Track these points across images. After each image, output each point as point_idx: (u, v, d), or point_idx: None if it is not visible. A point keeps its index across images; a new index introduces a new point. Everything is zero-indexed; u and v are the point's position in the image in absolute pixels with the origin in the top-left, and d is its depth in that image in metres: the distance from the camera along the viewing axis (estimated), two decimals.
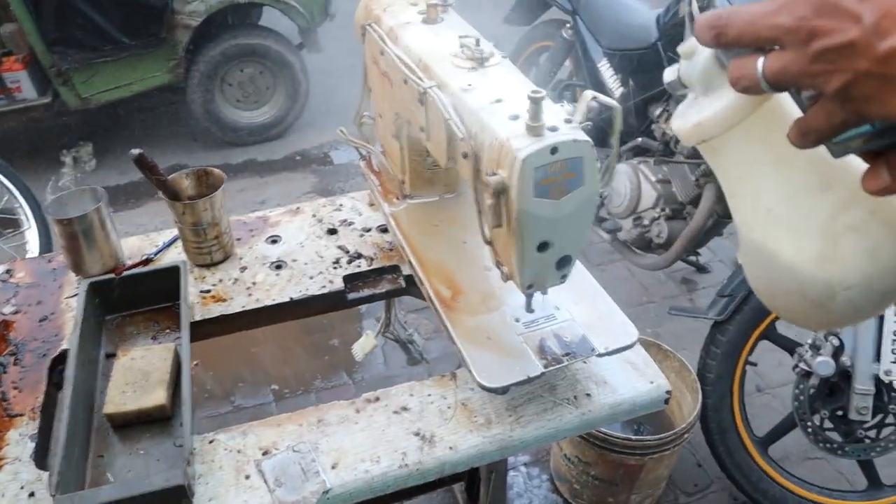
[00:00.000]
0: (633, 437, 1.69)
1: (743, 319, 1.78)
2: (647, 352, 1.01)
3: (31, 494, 0.86)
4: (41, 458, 0.92)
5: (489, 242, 0.82)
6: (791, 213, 0.51)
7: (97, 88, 3.40)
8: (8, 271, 1.24)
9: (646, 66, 2.29)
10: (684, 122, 0.55)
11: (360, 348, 1.59)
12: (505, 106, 0.78)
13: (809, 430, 1.71)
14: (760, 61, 0.44)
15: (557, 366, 0.87)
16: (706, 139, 0.53)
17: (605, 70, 2.49)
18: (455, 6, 1.05)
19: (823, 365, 1.63)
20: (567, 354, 0.88)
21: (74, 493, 0.81)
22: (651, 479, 1.82)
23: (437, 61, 0.91)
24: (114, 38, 3.24)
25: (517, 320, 0.93)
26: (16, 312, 1.14)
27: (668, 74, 0.58)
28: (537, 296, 0.87)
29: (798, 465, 2.03)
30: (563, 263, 0.80)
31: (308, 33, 3.61)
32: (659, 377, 0.98)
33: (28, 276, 1.23)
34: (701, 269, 2.75)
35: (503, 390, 0.87)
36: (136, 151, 1.07)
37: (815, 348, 1.67)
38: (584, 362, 0.97)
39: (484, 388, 0.86)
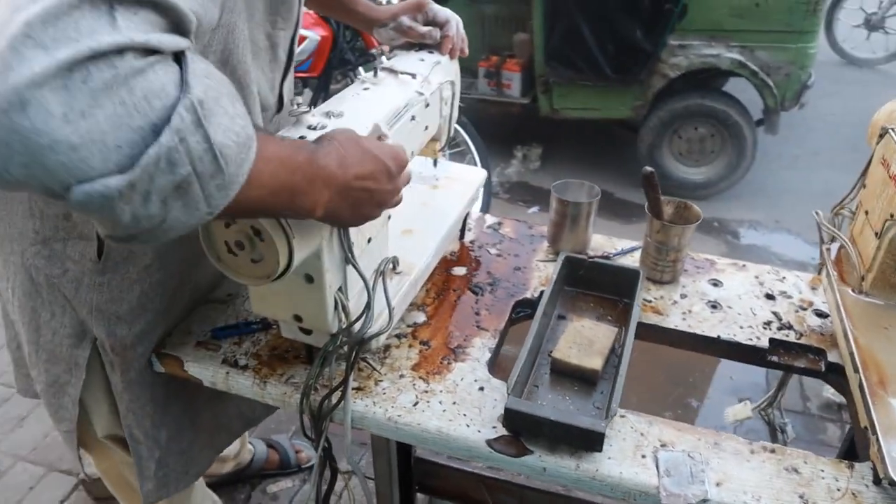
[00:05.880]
0: None
1: None
2: None
3: (481, 389, 1.12)
4: (491, 366, 1.18)
5: None
6: None
7: (568, 105, 3.87)
8: (499, 223, 1.55)
9: None
10: None
11: (734, 413, 1.65)
12: None
13: None
14: None
15: None
16: None
17: None
18: None
19: None
20: None
21: (521, 399, 1.04)
22: None
23: None
24: (600, 67, 3.64)
25: None
26: (498, 255, 1.44)
27: None
28: None
29: None
30: None
31: (771, 114, 3.68)
32: None
33: (512, 232, 1.52)
34: None
35: None
36: (648, 169, 1.28)
37: None
38: None
39: (893, 484, 0.89)
